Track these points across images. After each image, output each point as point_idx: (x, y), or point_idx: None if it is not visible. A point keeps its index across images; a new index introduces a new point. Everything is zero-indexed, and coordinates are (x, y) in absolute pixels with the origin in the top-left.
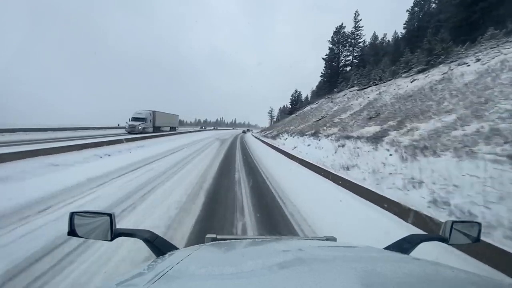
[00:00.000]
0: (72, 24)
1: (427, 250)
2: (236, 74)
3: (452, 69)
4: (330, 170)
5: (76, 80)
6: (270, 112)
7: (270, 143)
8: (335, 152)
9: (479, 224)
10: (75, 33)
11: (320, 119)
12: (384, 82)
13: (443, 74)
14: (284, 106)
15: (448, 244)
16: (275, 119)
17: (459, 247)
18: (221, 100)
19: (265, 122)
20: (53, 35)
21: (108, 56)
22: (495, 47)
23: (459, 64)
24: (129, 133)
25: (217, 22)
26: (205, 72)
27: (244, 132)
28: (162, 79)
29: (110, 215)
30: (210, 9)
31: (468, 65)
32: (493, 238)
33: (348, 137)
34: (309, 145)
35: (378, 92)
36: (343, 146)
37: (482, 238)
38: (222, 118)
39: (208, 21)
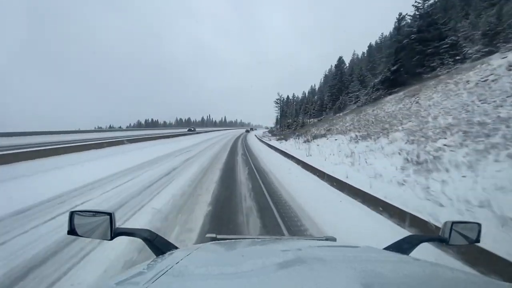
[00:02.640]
0: (40, 19)
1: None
2: (227, 72)
3: None
4: None
5: (43, 81)
6: (279, 101)
7: None
8: None
9: (479, 224)
10: (41, 29)
11: None
12: None
13: None
14: (292, 96)
15: (448, 245)
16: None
17: (459, 247)
18: (210, 98)
19: (260, 119)
20: (21, 32)
21: (82, 53)
22: None
23: None
24: None
25: (203, 17)
26: (192, 70)
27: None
28: (144, 78)
29: (110, 214)
30: (194, 4)
31: None
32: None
33: None
34: None
35: None
36: None
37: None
38: (209, 116)
39: (196, 17)
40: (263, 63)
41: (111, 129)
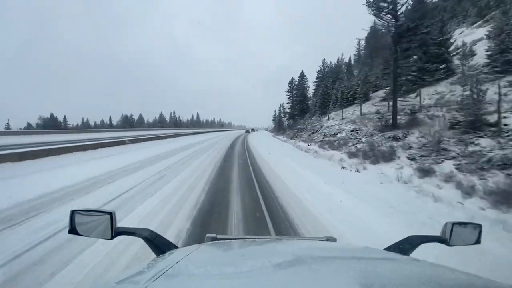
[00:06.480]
0: None
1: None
2: (203, 71)
3: None
4: None
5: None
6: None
7: None
8: None
9: (480, 225)
10: None
11: None
12: None
13: None
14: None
15: (449, 246)
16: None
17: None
18: (181, 97)
19: (243, 120)
20: None
21: (47, 47)
22: None
23: None
24: None
25: (181, 14)
26: (169, 70)
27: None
28: (112, 77)
29: (110, 213)
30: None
31: None
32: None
33: None
34: None
35: None
36: None
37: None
38: (173, 113)
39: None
40: (248, 62)
41: None
